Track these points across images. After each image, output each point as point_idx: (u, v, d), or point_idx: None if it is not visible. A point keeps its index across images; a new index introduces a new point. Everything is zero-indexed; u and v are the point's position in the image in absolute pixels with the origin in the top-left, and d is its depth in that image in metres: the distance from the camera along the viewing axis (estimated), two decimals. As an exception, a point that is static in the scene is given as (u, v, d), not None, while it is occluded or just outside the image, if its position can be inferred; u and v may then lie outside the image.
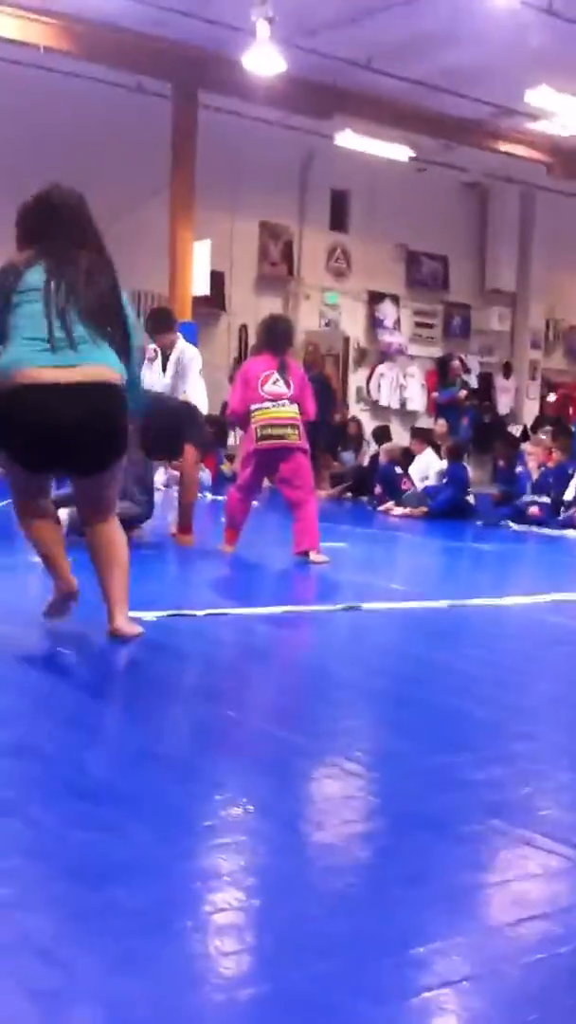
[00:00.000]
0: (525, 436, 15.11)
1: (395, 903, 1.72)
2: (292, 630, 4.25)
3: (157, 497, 7.73)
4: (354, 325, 17.47)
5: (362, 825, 2.09)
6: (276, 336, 6.36)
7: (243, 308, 16.17)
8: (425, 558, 7.83)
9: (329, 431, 12.85)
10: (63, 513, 5.20)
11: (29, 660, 3.39)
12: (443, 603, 4.79)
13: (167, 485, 7.31)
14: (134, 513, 6.16)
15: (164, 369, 7.05)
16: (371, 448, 13.70)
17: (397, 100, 13.09)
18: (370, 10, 10.55)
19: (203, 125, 12.94)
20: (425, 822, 2.07)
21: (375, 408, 17.53)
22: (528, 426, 16.85)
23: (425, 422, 16.53)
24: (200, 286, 13.11)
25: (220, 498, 7.69)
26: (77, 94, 13.01)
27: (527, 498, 10.08)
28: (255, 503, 6.77)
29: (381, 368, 17.64)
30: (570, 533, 9.28)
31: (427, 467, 11.21)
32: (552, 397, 17.73)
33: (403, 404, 17.79)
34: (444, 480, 10.59)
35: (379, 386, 17.62)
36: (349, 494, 12.38)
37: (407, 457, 11.52)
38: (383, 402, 17.59)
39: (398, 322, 17.86)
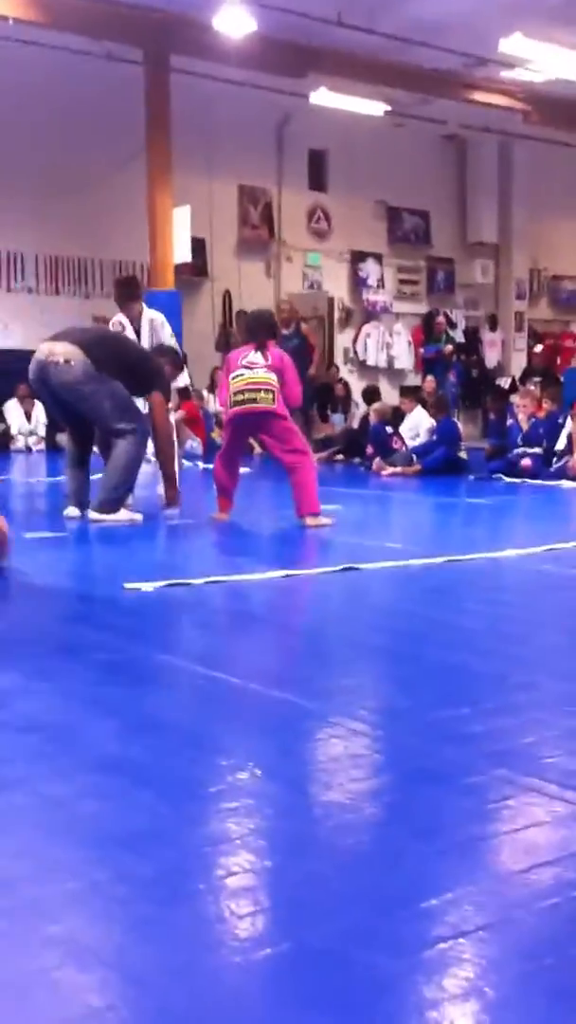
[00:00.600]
0: (514, 388, 15.10)
1: (406, 857, 1.73)
2: (291, 594, 4.26)
3: (147, 468, 7.72)
4: (338, 286, 17.40)
5: (369, 782, 2.10)
6: (256, 327, 6.39)
7: (226, 273, 16.09)
8: (420, 516, 7.84)
9: (310, 389, 12.75)
10: None
11: (25, 635, 3.40)
12: (440, 559, 4.80)
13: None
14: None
15: (138, 339, 7.05)
16: (360, 410, 13.67)
17: (370, 55, 12.96)
18: (339, -36, 10.45)
19: (176, 90, 12.82)
20: (432, 776, 2.08)
21: (363, 368, 17.48)
22: (516, 378, 16.83)
23: (413, 380, 16.52)
24: (182, 253, 13.04)
25: (211, 467, 7.68)
26: (48, 65, 12.87)
27: (518, 451, 10.08)
28: (246, 469, 6.76)
29: (367, 328, 17.58)
30: (563, 483, 9.29)
31: (417, 425, 11.20)
32: (539, 348, 17.70)
33: (390, 363, 17.76)
34: (435, 437, 10.58)
35: (366, 346, 17.58)
36: (340, 456, 12.37)
37: (397, 416, 11.51)
38: (370, 362, 17.56)
39: (382, 280, 17.79)
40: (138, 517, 6.27)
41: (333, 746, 2.29)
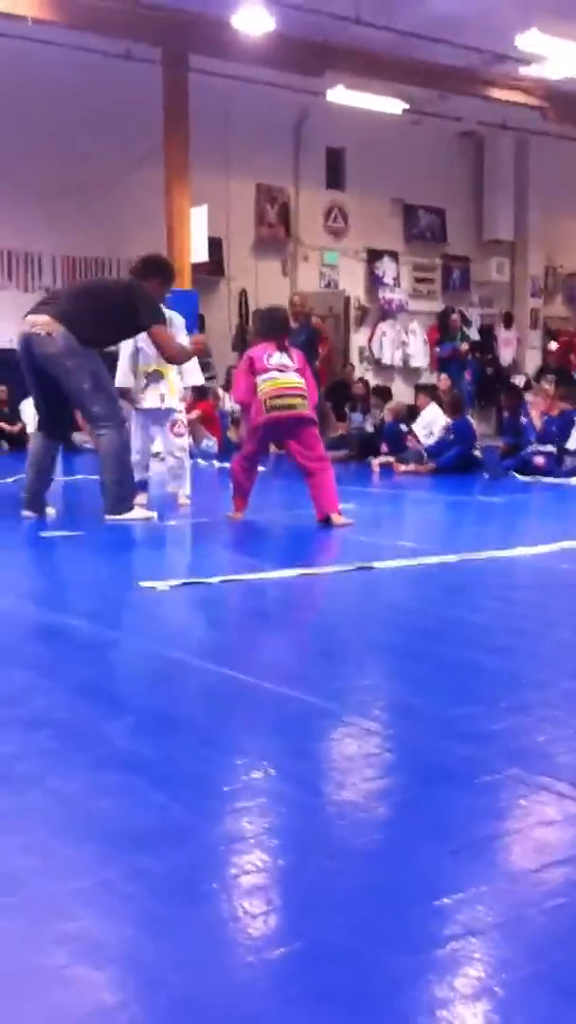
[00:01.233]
0: (528, 386, 15.07)
1: (419, 856, 1.73)
2: (305, 593, 4.26)
3: (158, 466, 7.73)
4: (354, 284, 17.40)
5: (382, 781, 2.10)
6: (273, 323, 6.36)
7: (242, 273, 16.10)
8: (433, 514, 7.84)
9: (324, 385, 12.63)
10: None
11: (40, 633, 3.41)
12: (453, 557, 4.80)
13: (171, 453, 7.27)
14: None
15: None
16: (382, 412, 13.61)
17: (388, 53, 12.95)
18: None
19: (194, 89, 12.84)
20: (445, 775, 2.08)
21: (378, 367, 17.47)
22: (531, 376, 16.79)
23: (428, 379, 16.50)
24: (199, 253, 13.05)
25: (227, 465, 7.69)
26: (67, 65, 12.91)
27: (531, 448, 10.06)
28: (262, 468, 6.76)
29: (382, 326, 17.57)
30: (575, 481, 9.27)
31: (432, 422, 11.19)
32: (554, 346, 17.65)
33: (406, 361, 17.74)
34: (451, 436, 10.56)
35: (381, 344, 17.55)
36: (354, 457, 12.34)
37: (412, 415, 11.50)
38: (386, 360, 17.55)
39: (397, 278, 17.77)
40: (153, 515, 6.28)
41: (346, 745, 2.29)
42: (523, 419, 10.52)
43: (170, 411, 7.08)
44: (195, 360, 7.47)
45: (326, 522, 5.99)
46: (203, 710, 2.60)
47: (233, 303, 16.03)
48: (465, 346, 15.55)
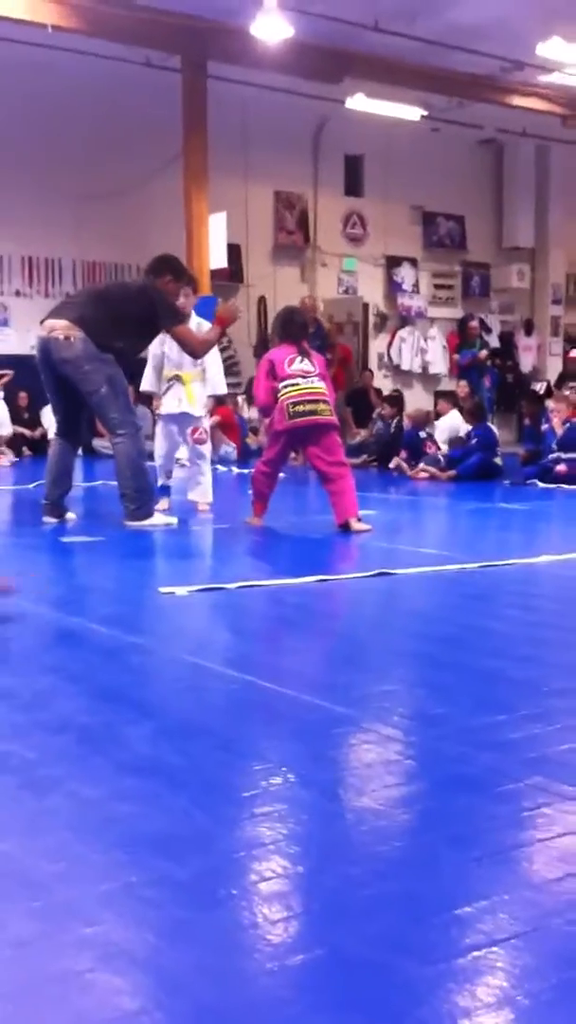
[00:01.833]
0: (549, 393, 15.01)
1: (440, 864, 1.73)
2: (325, 599, 4.26)
3: (179, 472, 7.74)
4: (373, 290, 17.38)
5: (403, 789, 2.09)
6: (293, 327, 6.35)
7: (261, 279, 16.11)
8: (454, 520, 7.82)
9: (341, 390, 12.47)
10: None
11: (61, 638, 3.42)
12: (475, 565, 4.78)
13: (192, 461, 7.28)
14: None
15: None
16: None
17: (407, 60, 12.95)
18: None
19: (213, 96, 12.86)
20: (466, 783, 2.08)
21: (397, 373, 17.45)
22: (552, 382, 16.73)
23: (448, 385, 16.46)
24: (217, 259, 13.07)
25: (246, 471, 7.69)
26: (86, 72, 12.96)
27: (553, 456, 10.01)
28: (282, 475, 6.76)
29: (402, 333, 17.55)
30: (598, 489, 9.22)
31: (452, 428, 11.17)
32: (575, 352, 17.57)
33: (425, 368, 17.71)
34: (473, 441, 10.48)
35: (400, 351, 17.53)
36: (375, 461, 12.32)
37: (431, 421, 11.48)
38: (405, 367, 17.52)
39: (416, 285, 17.75)
40: (173, 521, 6.29)
41: (367, 752, 2.29)
42: (544, 426, 10.47)
43: (191, 416, 7.09)
44: (220, 370, 7.49)
45: (345, 528, 5.99)
46: (224, 716, 2.59)
47: (252, 310, 16.04)
48: (484, 353, 15.50)
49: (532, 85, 14.14)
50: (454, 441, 11.00)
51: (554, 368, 18.07)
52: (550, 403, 11.15)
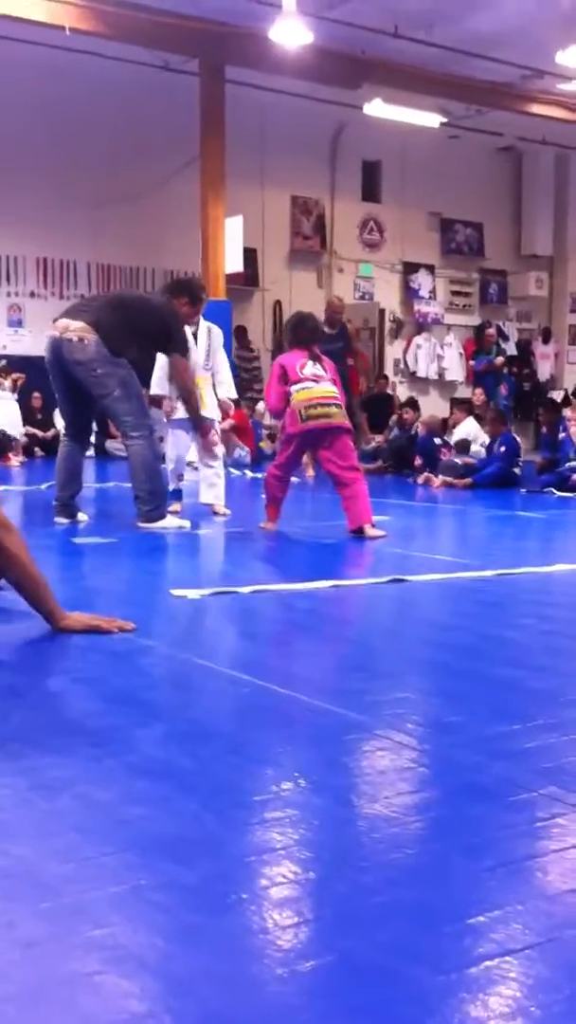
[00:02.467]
0: (567, 401, 14.99)
1: (452, 873, 1.71)
2: (338, 604, 4.24)
3: (191, 475, 7.75)
4: (389, 297, 17.39)
5: (416, 796, 2.07)
6: (303, 331, 6.36)
7: (277, 284, 16.13)
8: (470, 528, 7.79)
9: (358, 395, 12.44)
10: None
11: (72, 640, 3.41)
12: (491, 572, 4.76)
13: (205, 462, 7.27)
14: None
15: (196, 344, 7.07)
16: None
17: (426, 67, 12.96)
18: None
19: (231, 100, 12.89)
20: (480, 792, 2.06)
21: (412, 379, 17.44)
22: (570, 391, 16.70)
23: (464, 392, 16.45)
24: (233, 263, 13.08)
25: (259, 475, 7.68)
26: (104, 75, 13.00)
27: (570, 464, 9.99)
28: (295, 479, 6.75)
29: (418, 339, 17.55)
30: (614, 498, 9.19)
31: (471, 437, 11.14)
32: (592, 361, 17.55)
33: (441, 374, 17.70)
34: (502, 449, 10.38)
35: (416, 357, 17.52)
36: (388, 466, 12.29)
37: (446, 428, 11.45)
38: (420, 373, 17.52)
39: (433, 291, 17.75)
40: (186, 524, 6.29)
41: (379, 759, 2.27)
42: (562, 434, 10.45)
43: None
44: (230, 373, 7.55)
45: (359, 533, 5.97)
46: (235, 720, 2.58)
47: (268, 314, 16.06)
48: (500, 359, 15.48)
49: (552, 93, 14.13)
50: (462, 444, 10.95)
51: (572, 376, 18.06)
52: (568, 412, 11.13)
